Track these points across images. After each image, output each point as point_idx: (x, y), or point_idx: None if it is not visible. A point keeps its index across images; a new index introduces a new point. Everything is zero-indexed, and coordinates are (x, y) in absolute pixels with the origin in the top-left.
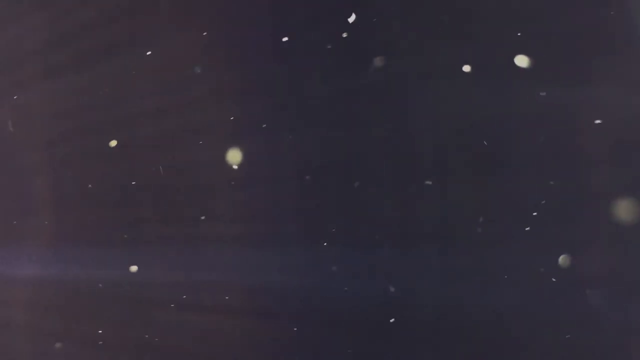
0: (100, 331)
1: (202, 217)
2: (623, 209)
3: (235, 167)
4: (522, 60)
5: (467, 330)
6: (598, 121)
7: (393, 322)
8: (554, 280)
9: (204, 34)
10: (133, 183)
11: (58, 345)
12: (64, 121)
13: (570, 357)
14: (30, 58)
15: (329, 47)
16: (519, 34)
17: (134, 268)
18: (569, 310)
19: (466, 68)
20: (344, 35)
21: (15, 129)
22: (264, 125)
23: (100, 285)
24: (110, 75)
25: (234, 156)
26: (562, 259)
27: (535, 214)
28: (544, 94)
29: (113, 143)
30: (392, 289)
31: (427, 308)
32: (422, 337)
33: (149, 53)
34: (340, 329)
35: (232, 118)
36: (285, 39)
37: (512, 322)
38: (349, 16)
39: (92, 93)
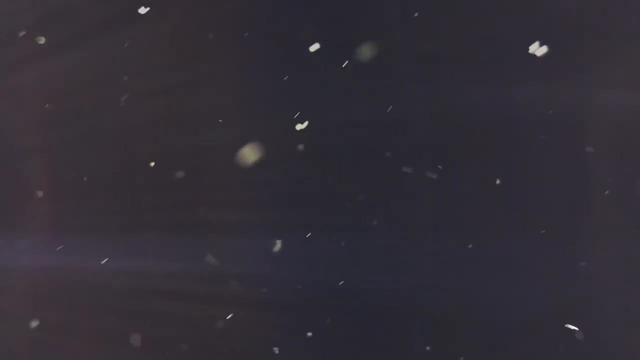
0: (97, 322)
1: (201, 205)
2: None
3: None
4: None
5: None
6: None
7: (394, 314)
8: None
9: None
10: (129, 170)
11: (54, 335)
12: (55, 105)
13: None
14: (20, 38)
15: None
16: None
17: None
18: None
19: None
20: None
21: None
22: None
23: (97, 275)
24: (102, 58)
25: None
26: None
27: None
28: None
29: None
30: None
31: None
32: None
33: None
34: (343, 323)
35: (229, 102)
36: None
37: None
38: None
39: (83, 75)
